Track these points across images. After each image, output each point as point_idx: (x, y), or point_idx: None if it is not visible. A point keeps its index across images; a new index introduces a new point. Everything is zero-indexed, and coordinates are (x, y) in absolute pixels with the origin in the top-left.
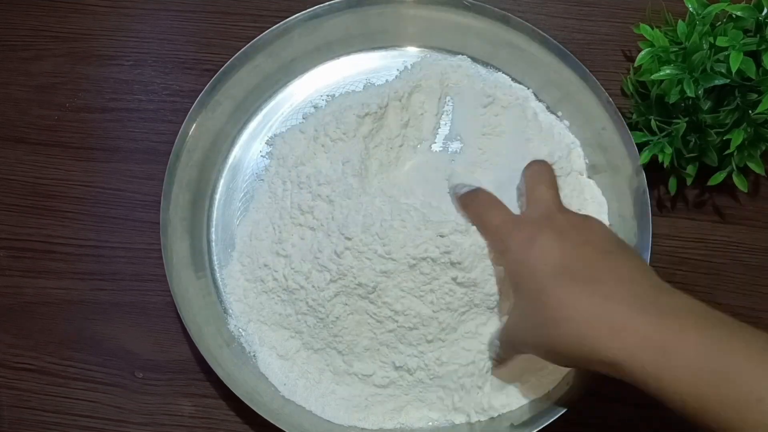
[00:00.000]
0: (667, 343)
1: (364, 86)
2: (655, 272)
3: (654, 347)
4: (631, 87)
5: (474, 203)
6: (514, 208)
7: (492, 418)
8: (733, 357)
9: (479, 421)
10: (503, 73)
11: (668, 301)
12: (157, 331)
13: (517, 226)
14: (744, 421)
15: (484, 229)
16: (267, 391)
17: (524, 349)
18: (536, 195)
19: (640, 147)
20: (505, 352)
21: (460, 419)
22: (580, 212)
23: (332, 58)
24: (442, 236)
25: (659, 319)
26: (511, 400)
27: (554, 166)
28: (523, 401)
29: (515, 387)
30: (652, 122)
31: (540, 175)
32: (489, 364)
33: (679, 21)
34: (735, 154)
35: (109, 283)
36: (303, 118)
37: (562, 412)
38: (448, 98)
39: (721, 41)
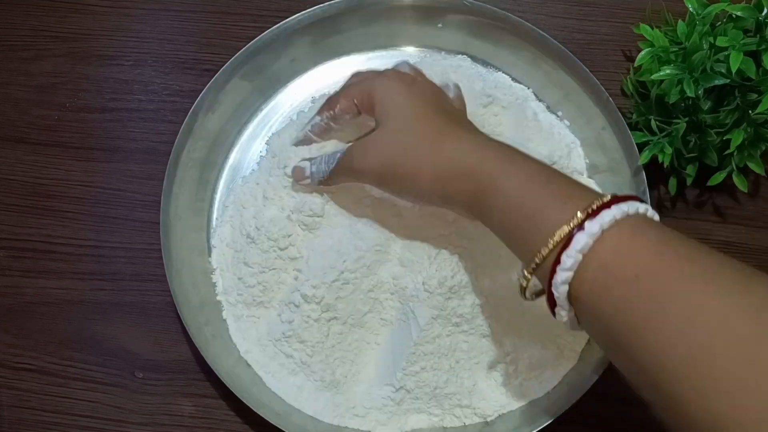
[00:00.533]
0: (512, 155)
1: None
2: None
3: (504, 157)
4: (631, 87)
5: (336, 95)
6: None
7: (487, 423)
8: (555, 172)
9: (477, 423)
10: (503, 73)
11: (514, 146)
12: (157, 331)
13: (384, 73)
14: (547, 217)
15: (349, 95)
16: (266, 391)
17: (367, 175)
18: (387, 70)
19: (640, 147)
20: (338, 177)
21: (455, 423)
22: None
23: (332, 58)
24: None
25: (507, 148)
26: (510, 400)
27: (554, 166)
28: (523, 402)
29: (514, 388)
30: (652, 122)
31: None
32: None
33: (679, 21)
34: (735, 154)
35: (109, 283)
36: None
37: (562, 412)
38: None
39: (721, 41)
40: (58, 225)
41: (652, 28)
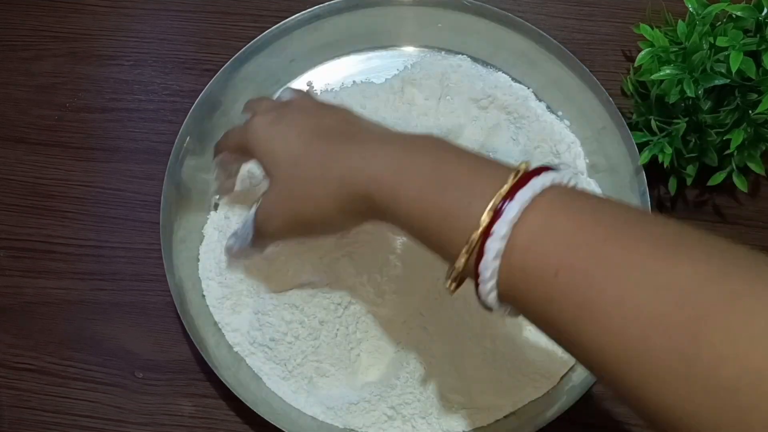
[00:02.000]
0: (402, 165)
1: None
2: None
3: (392, 171)
4: (631, 87)
5: (219, 143)
6: None
7: (488, 424)
8: (452, 171)
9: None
10: (503, 73)
11: (413, 139)
12: (157, 331)
13: (258, 116)
14: (453, 226)
15: (228, 142)
16: (266, 391)
17: (283, 232)
18: (263, 105)
19: (640, 147)
20: (259, 242)
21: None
22: None
23: (332, 58)
24: None
25: (400, 150)
26: (508, 401)
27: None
28: (523, 402)
29: (513, 388)
30: (652, 122)
31: (260, 96)
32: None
33: (679, 21)
34: (735, 154)
35: (109, 283)
36: None
37: (562, 411)
38: (447, 97)
39: (721, 41)
40: (58, 225)
41: (652, 28)
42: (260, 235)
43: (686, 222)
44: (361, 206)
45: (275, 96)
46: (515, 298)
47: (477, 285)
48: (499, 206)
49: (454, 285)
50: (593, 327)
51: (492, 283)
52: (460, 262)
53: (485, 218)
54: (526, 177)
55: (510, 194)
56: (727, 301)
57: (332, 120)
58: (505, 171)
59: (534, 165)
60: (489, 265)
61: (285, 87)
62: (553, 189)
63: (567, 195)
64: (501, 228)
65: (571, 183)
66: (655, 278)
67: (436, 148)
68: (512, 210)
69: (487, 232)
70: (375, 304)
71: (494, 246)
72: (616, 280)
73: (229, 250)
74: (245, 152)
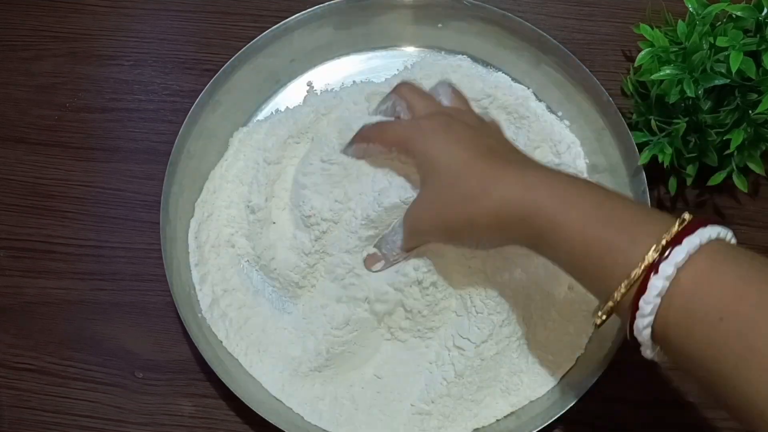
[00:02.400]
0: (569, 194)
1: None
2: None
3: (558, 198)
4: (631, 87)
5: (370, 129)
6: None
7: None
8: (618, 208)
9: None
10: (503, 73)
11: (567, 173)
12: (157, 331)
13: (420, 120)
14: (615, 260)
15: (387, 138)
16: (266, 391)
17: (431, 234)
18: (421, 103)
19: (640, 147)
20: (409, 242)
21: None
22: None
23: (332, 58)
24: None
25: (566, 179)
26: (508, 401)
27: (556, 167)
28: (523, 402)
29: (514, 389)
30: (652, 122)
31: (413, 87)
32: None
33: (679, 21)
34: (735, 154)
35: (109, 283)
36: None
37: (562, 411)
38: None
39: (721, 41)
40: (58, 225)
41: (652, 28)
42: (410, 238)
43: None
44: (516, 229)
45: (433, 86)
46: (670, 339)
47: (633, 320)
48: (665, 248)
49: (603, 317)
50: (756, 374)
51: (650, 320)
52: (618, 293)
53: (652, 255)
54: (693, 226)
55: (677, 239)
56: None
57: (493, 140)
58: (669, 217)
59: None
60: (650, 301)
61: (442, 81)
62: (716, 242)
63: (729, 248)
64: (667, 268)
65: (733, 240)
66: None
67: (598, 186)
68: (680, 254)
69: (651, 269)
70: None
71: (658, 284)
72: None
73: (373, 259)
74: (403, 151)
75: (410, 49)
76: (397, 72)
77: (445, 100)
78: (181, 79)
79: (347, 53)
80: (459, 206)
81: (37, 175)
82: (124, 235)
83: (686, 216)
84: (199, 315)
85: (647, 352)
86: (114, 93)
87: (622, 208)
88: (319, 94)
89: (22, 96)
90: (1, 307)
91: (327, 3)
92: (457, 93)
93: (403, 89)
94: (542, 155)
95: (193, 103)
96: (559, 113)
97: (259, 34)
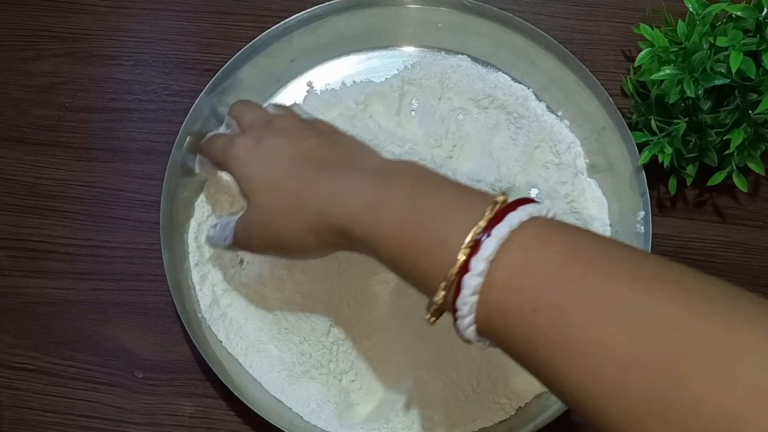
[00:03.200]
0: (379, 199)
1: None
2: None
3: (369, 205)
4: (631, 87)
5: (204, 143)
6: None
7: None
8: (429, 205)
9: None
10: (503, 73)
11: (391, 169)
12: (157, 331)
13: (239, 137)
14: (431, 262)
15: (212, 155)
16: (266, 391)
17: (262, 250)
18: (248, 116)
19: (640, 147)
20: (237, 249)
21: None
22: (581, 213)
23: (332, 58)
24: None
25: (378, 182)
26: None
27: (556, 167)
28: (522, 402)
29: (514, 389)
30: (652, 122)
31: (246, 103)
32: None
33: (679, 21)
34: (735, 154)
35: (109, 283)
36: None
37: (562, 412)
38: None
39: (721, 41)
40: (58, 225)
41: (652, 28)
42: (238, 246)
43: (684, 223)
44: (338, 239)
45: (265, 104)
46: (493, 333)
47: (455, 319)
48: (476, 241)
49: (433, 319)
50: (570, 365)
51: (470, 318)
52: (438, 296)
53: (462, 255)
54: (503, 211)
55: (487, 229)
56: (706, 342)
57: (313, 143)
58: (483, 204)
59: (529, 174)
60: (466, 301)
61: (269, 103)
62: (533, 222)
63: (547, 227)
64: (478, 264)
65: (550, 214)
66: (634, 316)
67: (414, 178)
68: (489, 246)
69: (464, 268)
70: (365, 336)
71: (471, 282)
72: (594, 318)
73: (209, 240)
74: (224, 169)
75: (410, 49)
76: (397, 72)
77: (270, 110)
78: (181, 79)
79: (347, 53)
80: (280, 221)
81: (37, 175)
82: (124, 235)
83: (498, 199)
84: (199, 315)
85: (479, 345)
86: (114, 93)
87: (434, 203)
88: (319, 94)
89: (22, 96)
90: (1, 307)
91: (327, 3)
92: (282, 107)
93: (235, 106)
94: (542, 155)
95: (193, 103)
96: (559, 113)
97: (259, 34)
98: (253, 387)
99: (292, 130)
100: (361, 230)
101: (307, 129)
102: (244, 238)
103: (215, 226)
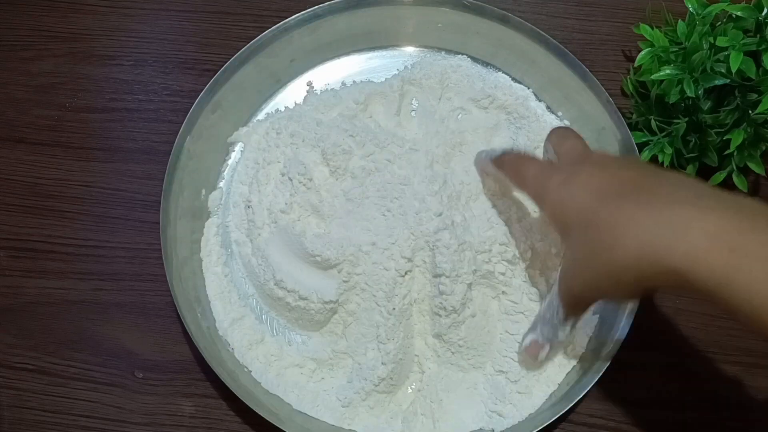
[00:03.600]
0: (738, 242)
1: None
2: None
3: (723, 247)
4: (631, 87)
5: (509, 160)
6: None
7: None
8: None
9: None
10: (503, 73)
11: (734, 199)
12: (157, 331)
13: (554, 170)
14: None
15: (521, 181)
16: (266, 391)
17: (586, 294)
18: (566, 145)
19: (640, 147)
20: (569, 310)
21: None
22: None
23: (332, 58)
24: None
25: (732, 218)
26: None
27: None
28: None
29: (516, 391)
30: (652, 122)
31: (566, 131)
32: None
33: (679, 21)
34: (735, 154)
35: (109, 283)
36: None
37: (562, 411)
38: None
39: (721, 41)
40: (58, 225)
41: (652, 28)
42: (570, 310)
43: None
44: (669, 282)
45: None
46: None
47: None
48: None
49: None
50: None
51: None
52: None
53: None
54: None
55: None
56: None
57: (629, 172)
58: None
59: None
60: None
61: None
62: None
63: None
64: None
65: None
66: None
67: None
68: None
69: None
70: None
71: None
72: None
73: (535, 347)
74: (533, 199)
75: (410, 49)
76: (397, 72)
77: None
78: (181, 79)
79: (347, 53)
80: (598, 262)
81: (37, 175)
82: (124, 235)
83: None
84: (199, 315)
85: None
86: (114, 93)
87: None
88: (319, 94)
89: (22, 96)
90: (1, 307)
91: (327, 3)
92: (574, 134)
93: (554, 133)
94: (542, 155)
95: (193, 103)
96: (559, 113)
97: (259, 34)
98: (253, 387)
99: (604, 161)
100: (712, 276)
101: (621, 161)
102: (568, 294)
103: (532, 329)
